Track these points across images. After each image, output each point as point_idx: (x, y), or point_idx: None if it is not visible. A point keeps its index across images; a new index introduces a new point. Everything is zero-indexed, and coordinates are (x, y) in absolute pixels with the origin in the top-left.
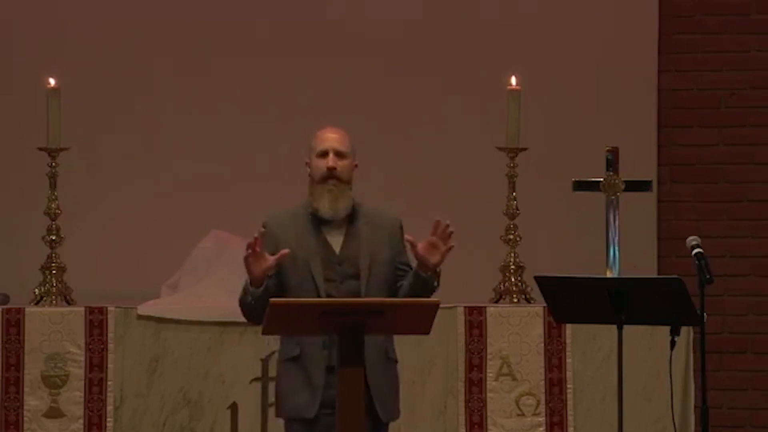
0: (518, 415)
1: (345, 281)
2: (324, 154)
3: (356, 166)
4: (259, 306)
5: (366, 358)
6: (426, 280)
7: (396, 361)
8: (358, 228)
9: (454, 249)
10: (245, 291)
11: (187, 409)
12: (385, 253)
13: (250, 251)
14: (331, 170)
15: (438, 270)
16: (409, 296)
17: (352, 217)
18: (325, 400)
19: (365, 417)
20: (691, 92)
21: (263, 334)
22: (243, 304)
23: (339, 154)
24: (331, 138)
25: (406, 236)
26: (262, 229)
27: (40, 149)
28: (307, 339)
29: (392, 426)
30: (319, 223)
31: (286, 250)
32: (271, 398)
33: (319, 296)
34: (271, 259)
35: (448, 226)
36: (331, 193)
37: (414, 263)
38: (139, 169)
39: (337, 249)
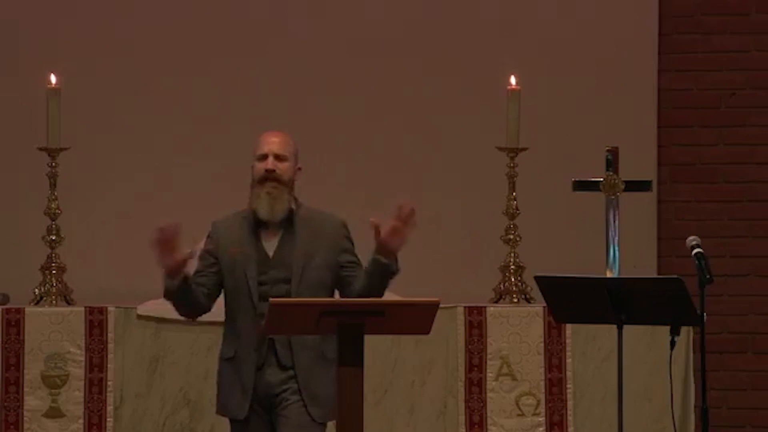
0: (518, 415)
1: (276, 284)
2: (263, 158)
3: (299, 169)
4: (179, 299)
5: (299, 360)
6: (387, 265)
7: (335, 360)
8: (295, 231)
9: (452, 248)
10: (164, 281)
11: (187, 409)
12: (321, 257)
13: (159, 235)
14: (269, 172)
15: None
16: (369, 285)
17: (290, 220)
18: (253, 400)
19: (302, 416)
20: (691, 92)
21: (265, 334)
22: (166, 295)
23: (278, 157)
24: (270, 142)
25: (372, 219)
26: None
27: (40, 149)
28: (243, 340)
29: (391, 426)
30: (257, 226)
31: (187, 253)
32: None
33: (251, 300)
34: (182, 255)
35: (413, 210)
36: (269, 195)
37: (365, 259)
38: (139, 169)
39: (270, 252)
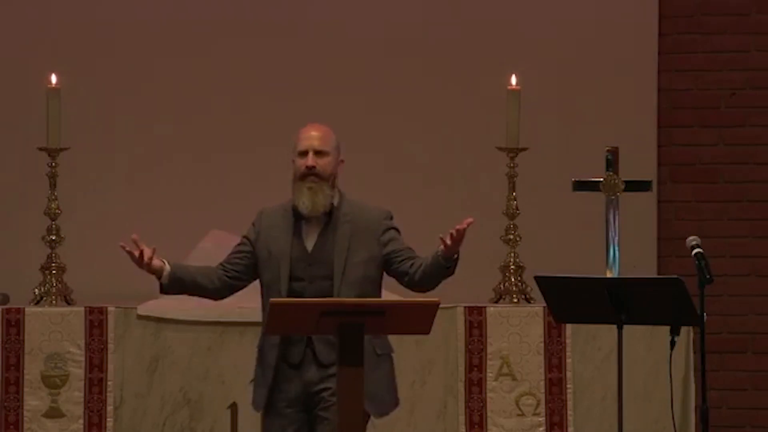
0: (518, 415)
1: (315, 281)
2: (304, 153)
3: (342, 161)
4: (176, 293)
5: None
6: (446, 267)
7: (386, 355)
8: (335, 227)
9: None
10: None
11: (187, 409)
12: (363, 252)
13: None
14: (309, 168)
15: (457, 256)
16: (427, 277)
17: (331, 215)
18: (288, 397)
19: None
20: (691, 92)
21: (265, 333)
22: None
23: (319, 153)
24: (311, 137)
25: (440, 235)
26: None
27: (40, 149)
28: (268, 338)
29: (391, 426)
30: (298, 221)
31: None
32: None
33: (280, 296)
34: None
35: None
36: (311, 189)
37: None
38: (138, 169)
39: (309, 248)
